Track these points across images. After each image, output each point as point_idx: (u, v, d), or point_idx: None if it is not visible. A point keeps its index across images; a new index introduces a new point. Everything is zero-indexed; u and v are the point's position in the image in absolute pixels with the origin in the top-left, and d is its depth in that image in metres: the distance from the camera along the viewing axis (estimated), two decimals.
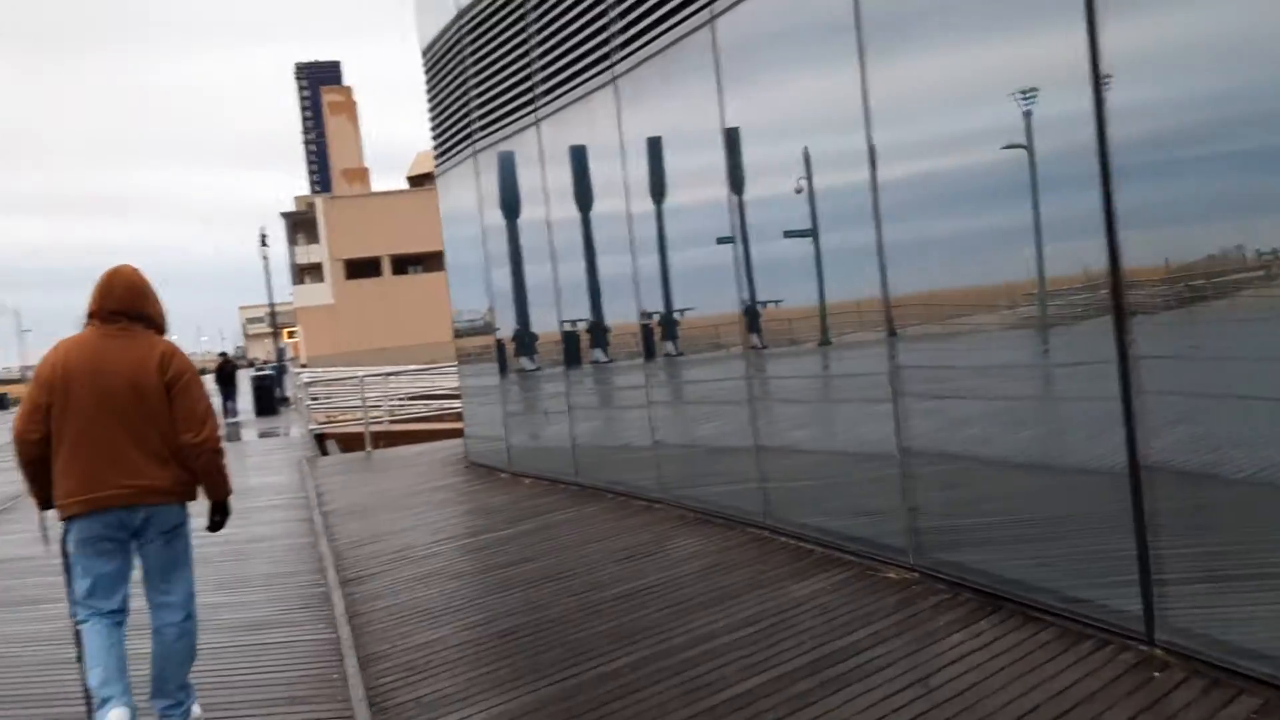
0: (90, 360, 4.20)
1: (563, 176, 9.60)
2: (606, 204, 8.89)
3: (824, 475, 6.64)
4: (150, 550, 4.31)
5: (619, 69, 8.20)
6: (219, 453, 4.37)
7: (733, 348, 7.47)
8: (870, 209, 5.59)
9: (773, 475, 7.01)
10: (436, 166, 12.63)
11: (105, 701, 4.11)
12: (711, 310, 7.76)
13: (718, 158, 7.07)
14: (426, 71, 12.43)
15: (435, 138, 12.43)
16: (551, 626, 5.44)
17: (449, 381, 25.05)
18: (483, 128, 10.95)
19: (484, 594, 6.35)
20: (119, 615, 4.28)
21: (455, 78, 11.52)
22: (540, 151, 9.81)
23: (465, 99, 11.27)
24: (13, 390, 77.81)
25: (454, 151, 11.88)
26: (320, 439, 20.77)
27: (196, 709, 4.48)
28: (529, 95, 9.83)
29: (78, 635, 4.31)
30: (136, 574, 4.42)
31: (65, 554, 4.35)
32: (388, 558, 7.77)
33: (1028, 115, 4.59)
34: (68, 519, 4.23)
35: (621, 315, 8.98)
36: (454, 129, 11.76)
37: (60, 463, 4.19)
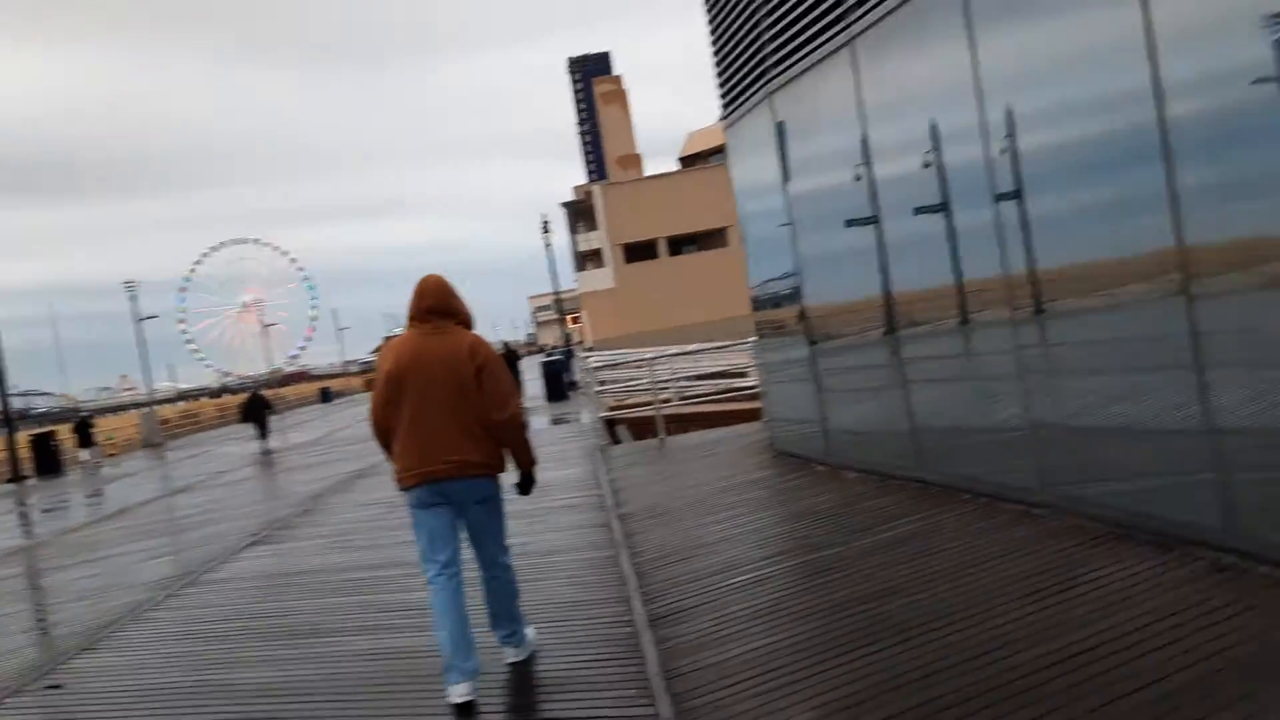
0: (415, 355, 4.92)
1: (887, 112, 7.77)
2: (951, 145, 6.97)
3: None
4: (470, 516, 5.04)
5: None
6: (523, 426, 5.09)
7: (1146, 286, 5.41)
8: None
9: (1244, 471, 4.92)
10: (723, 119, 11.10)
11: (449, 669, 4.84)
12: (1109, 252, 5.74)
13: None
14: (707, 5, 10.90)
15: (721, 85, 10.89)
16: (970, 712, 3.73)
17: (737, 359, 23.74)
18: (778, 61, 9.26)
19: (849, 646, 4.71)
20: (453, 568, 4.95)
21: (741, 3, 9.89)
22: (856, 82, 8.00)
23: (755, 27, 9.62)
24: (333, 384, 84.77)
25: (744, 98, 10.28)
26: (610, 425, 19.99)
27: (530, 632, 5.40)
28: (839, 7, 8.05)
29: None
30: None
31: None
32: (706, 582, 6.32)
33: None
34: (405, 489, 4.98)
35: (976, 271, 7.07)
36: (742, 69, 10.15)
37: (398, 443, 4.96)
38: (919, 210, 7.54)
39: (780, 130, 9.58)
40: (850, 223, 8.53)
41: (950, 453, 7.73)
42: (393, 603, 7.16)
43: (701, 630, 5.35)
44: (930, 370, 8.11)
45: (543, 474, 12.72)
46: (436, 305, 4.98)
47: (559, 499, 10.89)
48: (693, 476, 10.89)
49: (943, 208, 7.28)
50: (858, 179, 8.31)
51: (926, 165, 7.29)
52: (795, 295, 9.97)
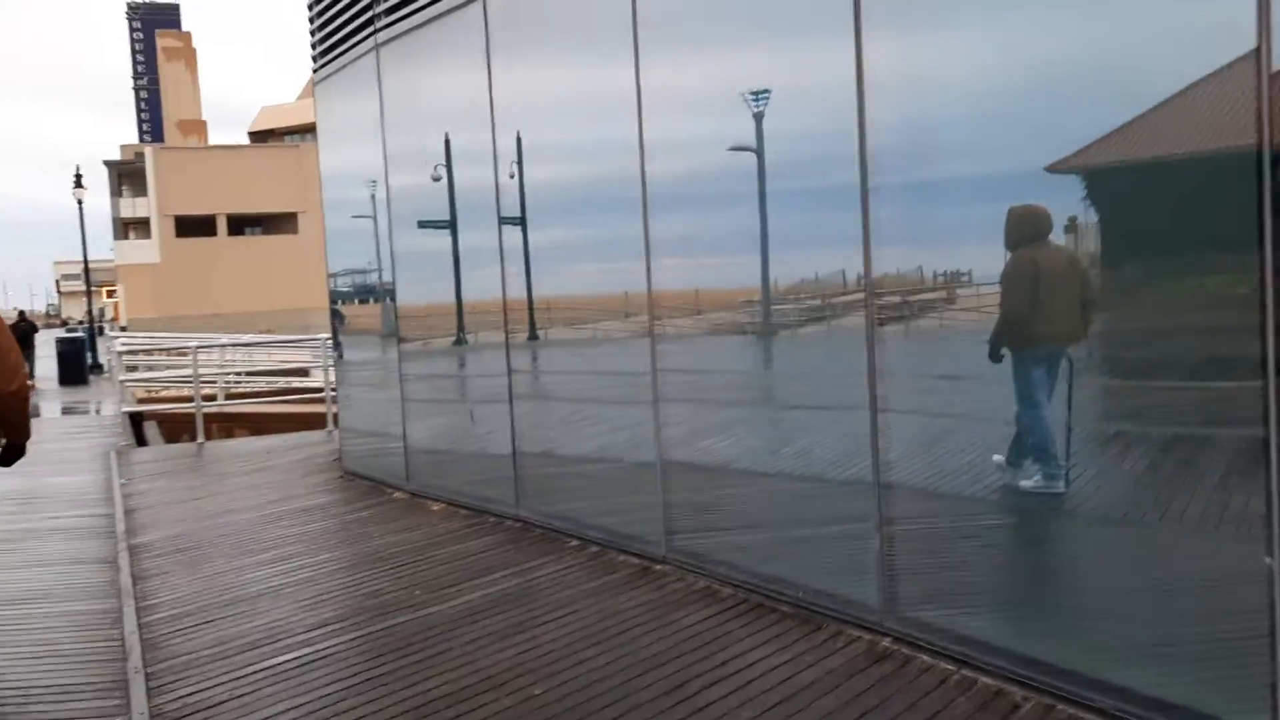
0: None
1: (521, 78, 6.60)
2: (606, 119, 5.95)
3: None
4: None
5: None
6: (27, 400, 4.53)
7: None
8: None
9: (906, 523, 4.29)
10: (315, 71, 9.34)
11: None
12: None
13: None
14: None
15: (315, 28, 9.14)
16: None
17: (298, 355, 21.47)
18: (391, 8, 7.77)
19: None
20: None
21: None
22: (486, 38, 6.75)
23: None
24: None
25: (342, 47, 8.63)
26: (137, 421, 16.90)
27: None
28: None
29: None
30: None
31: None
32: (239, 660, 4.64)
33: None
34: None
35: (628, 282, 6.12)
36: (343, 10, 8.51)
37: None
38: (503, 221, 6.72)
39: (384, 95, 8.07)
40: (423, 224, 7.66)
41: (554, 488, 6.69)
42: None
43: None
44: (531, 386, 7.05)
45: (39, 482, 10.13)
46: None
47: (52, 518, 8.45)
48: (236, 496, 8.93)
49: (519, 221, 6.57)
50: (436, 179, 7.45)
51: (511, 176, 6.56)
52: (385, 291, 8.48)
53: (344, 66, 8.62)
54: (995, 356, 3.91)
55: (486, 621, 4.95)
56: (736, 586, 5.10)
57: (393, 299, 8.27)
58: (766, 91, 4.66)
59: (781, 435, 5.19)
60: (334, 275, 9.57)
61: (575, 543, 6.24)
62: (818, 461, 4.86)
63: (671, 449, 5.60)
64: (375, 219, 8.90)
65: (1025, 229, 3.71)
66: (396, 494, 8.20)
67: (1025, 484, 3.89)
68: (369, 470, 8.96)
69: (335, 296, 9.66)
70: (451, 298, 7.63)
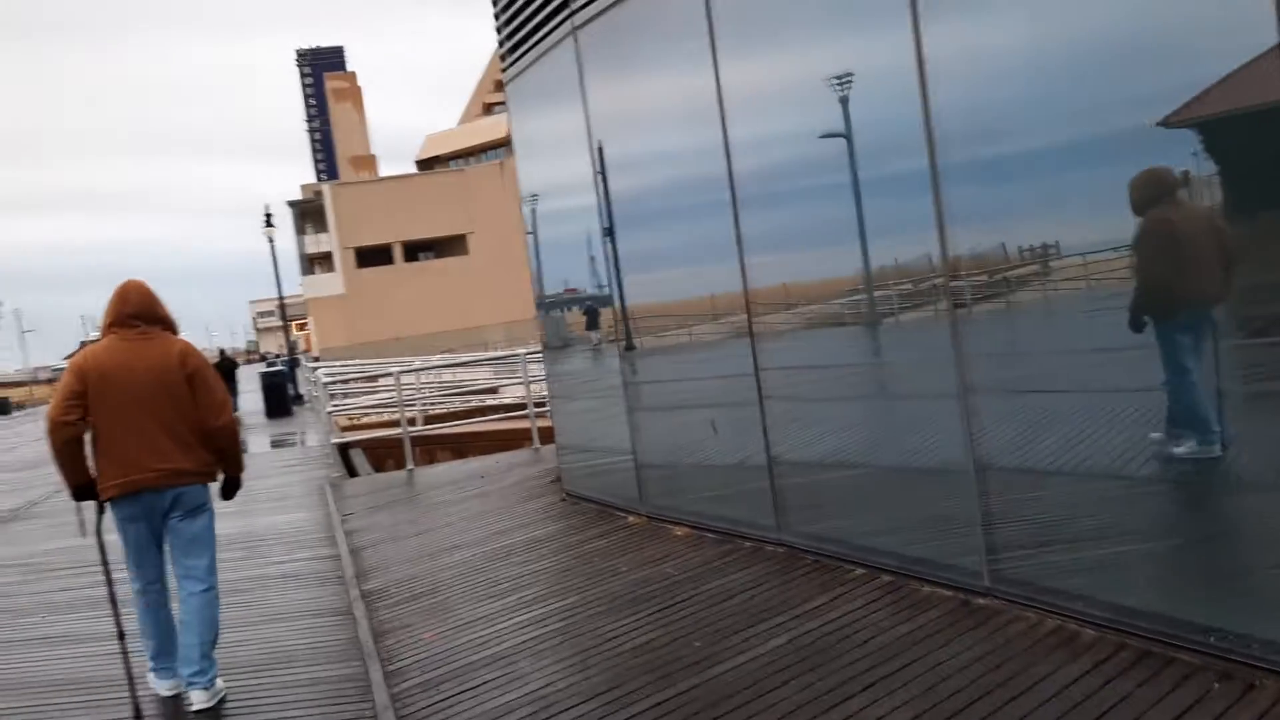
0: (119, 361, 4.68)
1: (749, 51, 5.71)
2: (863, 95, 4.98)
3: None
4: (178, 527, 4.78)
5: None
6: (236, 434, 4.97)
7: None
8: None
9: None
10: (504, 71, 8.73)
11: (156, 670, 4.88)
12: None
13: None
14: None
15: (502, 23, 8.51)
16: None
17: (485, 374, 21.36)
18: None
19: None
20: (159, 585, 4.84)
21: None
22: (708, 8, 5.89)
23: None
24: (14, 394, 74.20)
25: (536, 38, 7.96)
26: (343, 450, 16.96)
27: (219, 682, 4.82)
28: None
29: (114, 606, 4.71)
30: None
31: (101, 544, 4.79)
32: None
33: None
34: (109, 500, 4.68)
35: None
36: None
37: (100, 453, 4.67)
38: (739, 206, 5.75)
39: (585, 86, 7.33)
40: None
41: (825, 504, 5.75)
42: None
43: None
44: (793, 387, 6.11)
45: (259, 521, 9.95)
46: (142, 310, 4.81)
47: (278, 563, 8.10)
48: (459, 529, 8.38)
49: None
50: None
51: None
52: (604, 297, 7.75)
53: (538, 59, 7.94)
54: (1137, 326, 3.76)
55: (795, 683, 4.07)
56: (1101, 627, 4.05)
57: (622, 302, 7.51)
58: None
59: (1151, 426, 4.08)
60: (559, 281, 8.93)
61: (860, 571, 5.30)
62: (1227, 458, 3.74)
63: (988, 450, 4.58)
64: (533, 232, 8.33)
65: (1150, 189, 3.57)
66: (631, 518, 7.44)
67: (1178, 450, 3.76)
68: (594, 491, 8.26)
69: (557, 304, 8.97)
70: (680, 296, 6.84)
